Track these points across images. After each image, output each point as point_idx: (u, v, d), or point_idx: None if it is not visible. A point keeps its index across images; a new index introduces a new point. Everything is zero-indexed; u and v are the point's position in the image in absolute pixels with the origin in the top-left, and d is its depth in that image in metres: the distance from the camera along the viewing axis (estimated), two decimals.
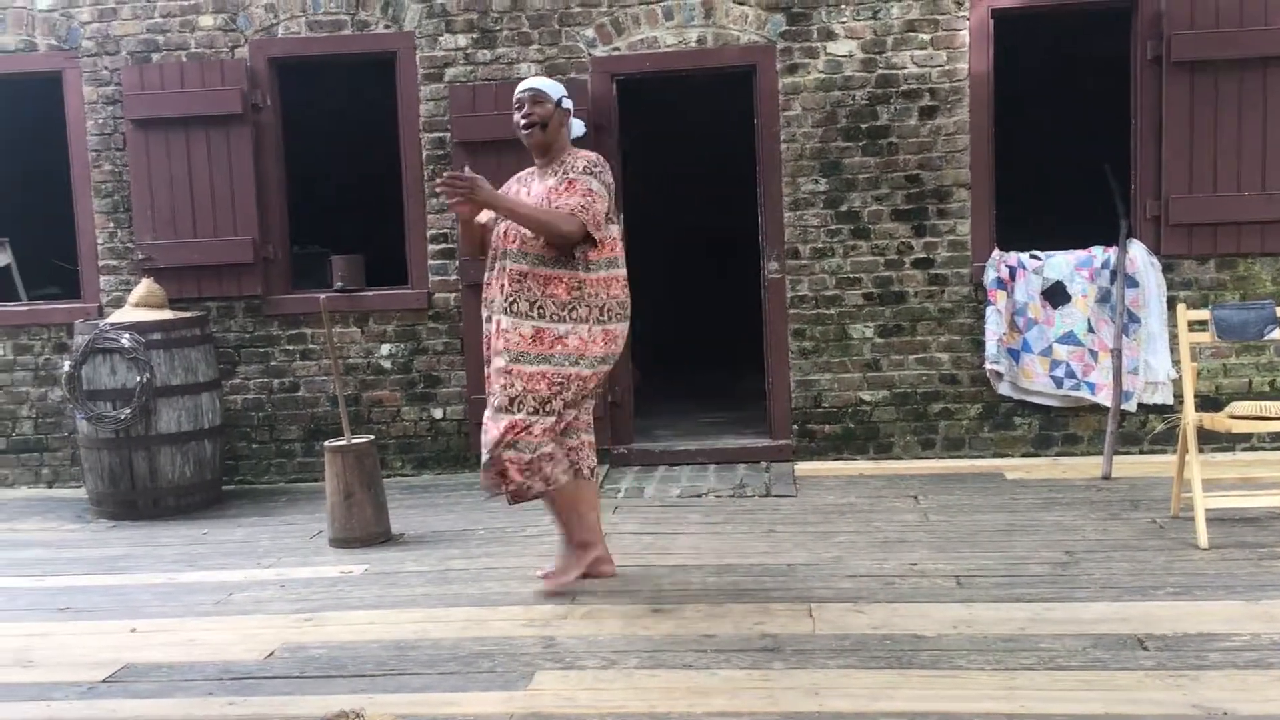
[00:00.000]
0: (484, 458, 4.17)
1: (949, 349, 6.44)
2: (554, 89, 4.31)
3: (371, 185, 8.79)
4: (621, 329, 4.25)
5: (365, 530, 5.19)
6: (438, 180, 4.19)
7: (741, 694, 3.27)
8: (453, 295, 6.61)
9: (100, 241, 6.74)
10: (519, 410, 4.08)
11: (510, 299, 4.14)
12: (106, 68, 6.66)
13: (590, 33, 6.47)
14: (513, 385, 4.10)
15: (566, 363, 4.11)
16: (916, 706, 3.14)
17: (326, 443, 5.35)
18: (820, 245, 6.45)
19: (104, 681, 3.60)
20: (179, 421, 6.05)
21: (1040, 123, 9.01)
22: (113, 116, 6.67)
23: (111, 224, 6.73)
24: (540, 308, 4.11)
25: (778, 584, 4.30)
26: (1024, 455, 6.41)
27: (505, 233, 4.20)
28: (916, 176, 6.37)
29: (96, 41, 6.67)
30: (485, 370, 4.30)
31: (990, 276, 6.29)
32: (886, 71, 6.35)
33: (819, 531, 5.05)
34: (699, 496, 5.85)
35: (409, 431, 6.71)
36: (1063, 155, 8.81)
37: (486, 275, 4.31)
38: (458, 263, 6.53)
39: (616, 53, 6.48)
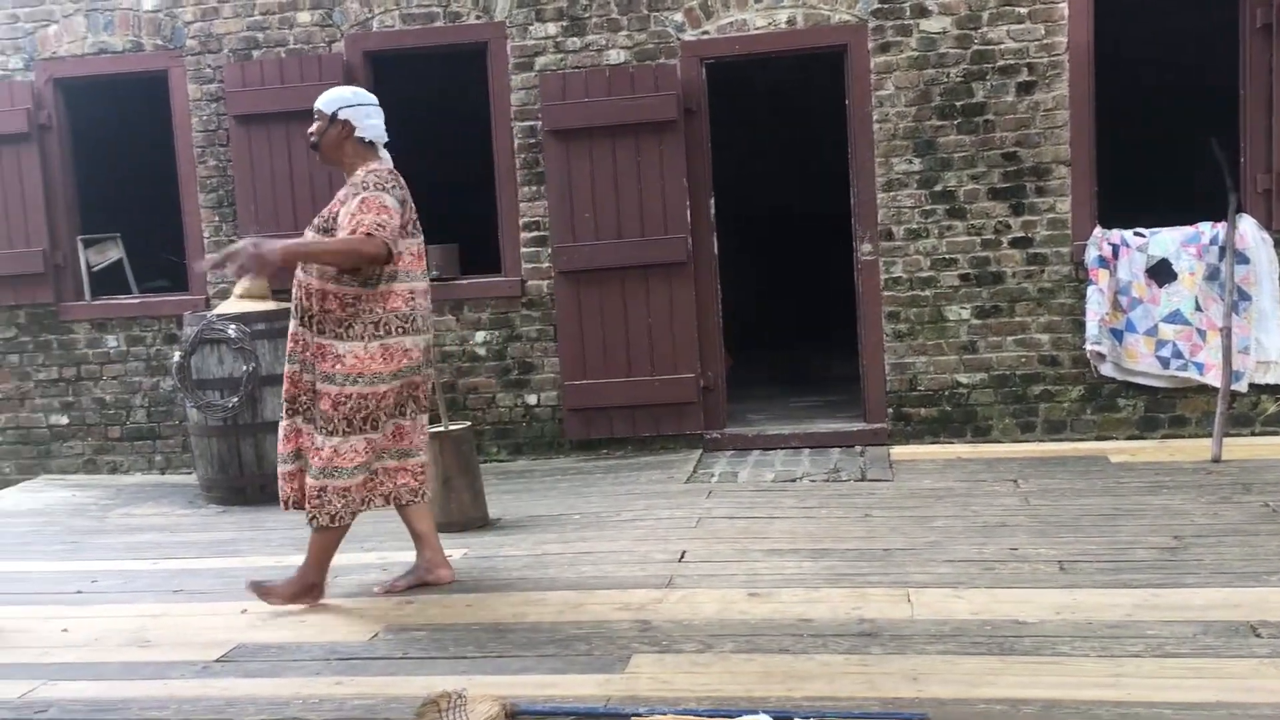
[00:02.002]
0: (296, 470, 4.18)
1: (1049, 330, 6.30)
2: (331, 102, 4.17)
3: (464, 174, 8.89)
4: (406, 342, 4.11)
5: (463, 515, 5.28)
6: (222, 265, 4.05)
7: (839, 679, 3.25)
8: (545, 282, 6.67)
9: (206, 235, 6.94)
10: (319, 432, 4.08)
11: (298, 308, 4.13)
12: (210, 65, 6.85)
13: (679, 17, 6.46)
14: (318, 403, 4.09)
15: (346, 382, 4.05)
16: (1019, 693, 3.09)
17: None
18: (915, 226, 6.35)
19: (218, 661, 3.73)
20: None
21: (1143, 96, 8.73)
22: (216, 113, 6.86)
23: (216, 218, 6.92)
24: (320, 324, 4.08)
25: (874, 569, 4.26)
26: (1129, 438, 6.25)
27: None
28: (1014, 154, 6.24)
29: (200, 40, 6.86)
30: (285, 369, 4.24)
31: (1092, 255, 6.14)
32: (982, 47, 6.22)
33: (916, 516, 4.99)
34: (793, 481, 5.82)
35: (504, 418, 6.80)
36: (1167, 128, 8.53)
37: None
38: (550, 250, 6.58)
39: (705, 36, 6.45)
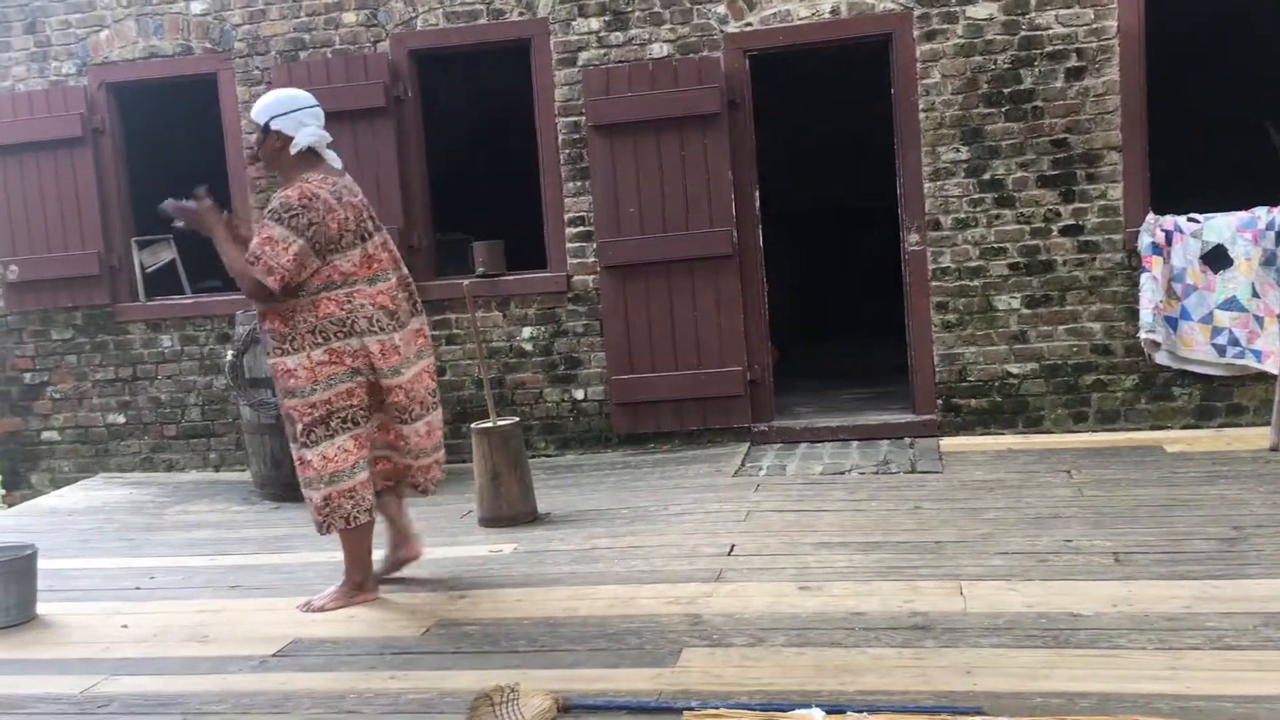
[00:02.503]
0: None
1: (1101, 318, 6.22)
2: (261, 112, 4.06)
3: (509, 170, 8.93)
4: (350, 344, 4.04)
5: (512, 510, 5.31)
6: (169, 202, 4.06)
7: (893, 672, 3.23)
8: (591, 278, 6.69)
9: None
10: (300, 446, 4.10)
11: (282, 338, 4.12)
12: (257, 67, 6.93)
13: (722, 9, 6.44)
14: (287, 420, 4.14)
15: (304, 392, 4.05)
16: (1075, 687, 3.05)
17: (473, 425, 5.48)
18: (962, 215, 6.29)
19: (274, 655, 3.78)
20: None
21: (1195, 79, 8.58)
22: None
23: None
24: (271, 341, 4.10)
25: (926, 561, 4.23)
26: (1184, 427, 6.15)
27: None
28: (1064, 140, 6.16)
29: (247, 42, 6.94)
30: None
31: (1145, 242, 6.04)
32: (1030, 33, 6.15)
33: (967, 508, 4.94)
34: (842, 473, 5.79)
35: (551, 413, 6.82)
36: (1221, 112, 8.38)
37: None
38: (595, 245, 6.59)
39: (749, 28, 6.42)
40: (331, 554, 4.98)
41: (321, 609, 4.20)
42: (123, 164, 7.27)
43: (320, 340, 4.03)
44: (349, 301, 4.06)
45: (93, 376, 7.31)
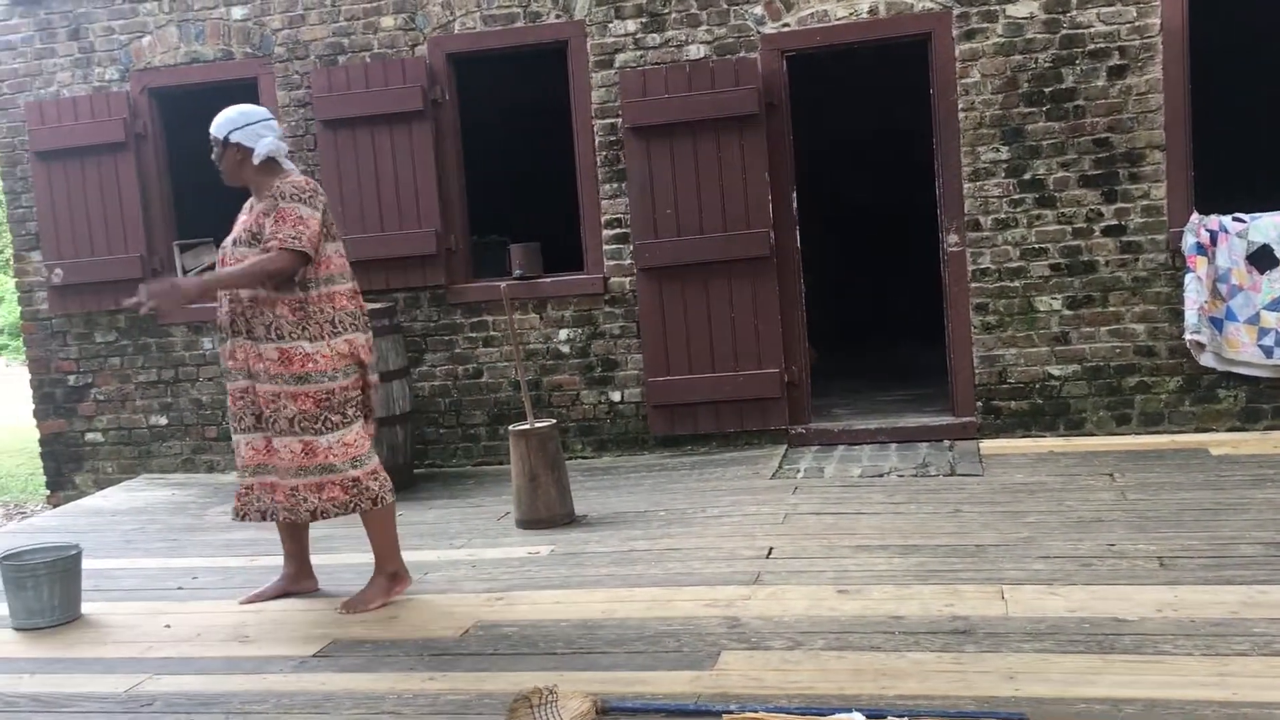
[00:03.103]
0: (258, 481, 4.24)
1: (1144, 319, 6.14)
2: (221, 126, 4.21)
3: (545, 173, 8.95)
4: (363, 338, 4.24)
5: (550, 512, 5.31)
6: (142, 308, 4.12)
7: (933, 677, 3.21)
8: (628, 279, 6.68)
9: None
10: (305, 433, 4.13)
11: (246, 323, 4.17)
12: (297, 72, 6.99)
13: (759, 10, 6.42)
14: (286, 408, 4.13)
15: (325, 379, 4.13)
16: (1120, 693, 3.02)
17: (511, 427, 5.49)
18: (1002, 216, 6.23)
19: (314, 656, 3.81)
20: None
21: (1240, 77, 8.46)
22: (304, 119, 7.00)
23: None
24: (276, 329, 4.12)
25: (966, 565, 4.19)
26: (1230, 430, 6.06)
27: (222, 259, 4.25)
28: (1106, 140, 6.09)
29: (287, 47, 7.00)
30: (229, 386, 4.31)
31: (1189, 242, 5.96)
32: (1071, 31, 6.08)
33: (1008, 511, 4.90)
34: (881, 476, 5.75)
35: (588, 415, 6.82)
36: (1266, 110, 8.26)
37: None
38: (632, 247, 6.59)
39: (786, 29, 6.40)
40: (369, 555, 5.01)
41: (366, 609, 4.23)
42: (165, 168, 7.36)
43: (339, 330, 4.18)
44: (356, 296, 4.29)
45: (135, 379, 7.39)
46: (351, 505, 4.22)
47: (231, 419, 4.35)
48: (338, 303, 4.20)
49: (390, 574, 4.34)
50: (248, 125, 4.21)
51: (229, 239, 4.29)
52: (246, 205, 4.33)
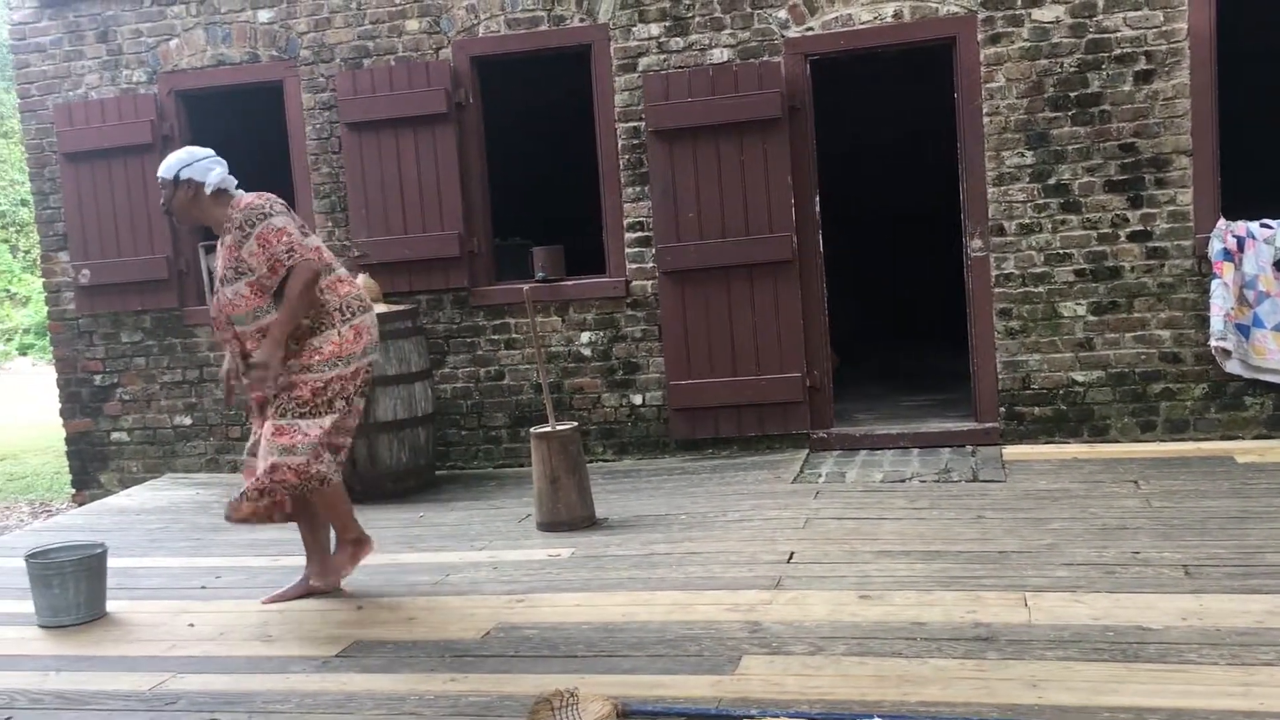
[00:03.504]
0: (255, 484, 4.27)
1: (1170, 326, 6.10)
2: (169, 168, 4.30)
3: (568, 176, 8.97)
4: (366, 320, 4.37)
5: (571, 514, 5.32)
6: (254, 394, 4.33)
7: (955, 684, 3.19)
8: (650, 283, 6.69)
9: (320, 240, 7.10)
10: (283, 417, 4.22)
11: (245, 357, 4.29)
12: (322, 75, 7.03)
13: (783, 14, 6.41)
14: (299, 390, 4.24)
15: (326, 368, 4.24)
16: (1144, 701, 3.00)
17: (532, 429, 5.50)
18: (1027, 220, 6.20)
19: (336, 656, 3.82)
20: (395, 410, 6.33)
21: (1268, 81, 8.39)
22: (329, 121, 7.03)
23: (330, 223, 7.10)
24: (294, 337, 4.24)
25: (989, 572, 4.17)
26: (1256, 437, 6.01)
27: (216, 303, 4.35)
28: (1132, 145, 6.05)
29: (313, 50, 7.04)
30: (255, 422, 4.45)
31: (1215, 248, 5.92)
32: (1097, 36, 6.05)
33: (1031, 518, 4.87)
34: (903, 481, 5.73)
35: (609, 417, 6.83)
36: None
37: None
38: (654, 250, 6.60)
39: (810, 33, 6.39)
40: (391, 556, 5.05)
41: (338, 576, 4.46)
42: None
43: (348, 316, 4.32)
44: (354, 280, 4.44)
45: (160, 379, 7.45)
46: (309, 490, 4.32)
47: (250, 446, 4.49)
48: (341, 289, 4.33)
49: (352, 540, 4.52)
50: (196, 162, 4.31)
51: (217, 279, 4.37)
52: (218, 243, 4.39)
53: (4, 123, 23.78)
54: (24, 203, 22.06)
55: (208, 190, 4.29)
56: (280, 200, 4.34)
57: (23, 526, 7.43)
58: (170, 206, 4.36)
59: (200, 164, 4.31)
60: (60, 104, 7.40)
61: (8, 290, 22.44)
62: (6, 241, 23.18)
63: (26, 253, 22.38)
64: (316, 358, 4.25)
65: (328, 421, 4.28)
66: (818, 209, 6.51)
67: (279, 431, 4.24)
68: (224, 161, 4.40)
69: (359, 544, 4.54)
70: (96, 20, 7.36)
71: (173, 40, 7.25)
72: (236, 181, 4.40)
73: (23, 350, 21.00)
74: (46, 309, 7.81)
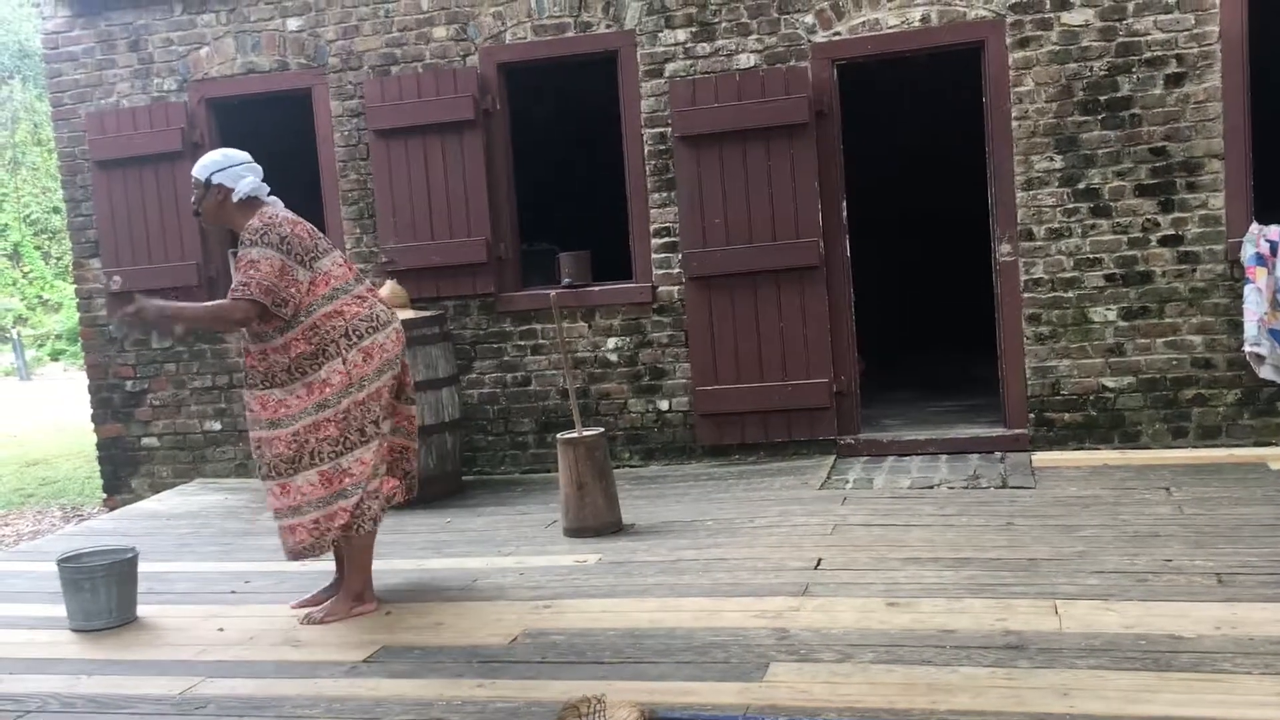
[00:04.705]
0: (296, 521, 4.26)
1: (1202, 331, 6.04)
2: (203, 169, 4.29)
3: (594, 181, 8.98)
4: (379, 338, 4.27)
5: (597, 520, 5.32)
6: (117, 321, 4.18)
7: (985, 693, 3.17)
8: (676, 289, 6.68)
9: (348, 246, 7.16)
10: (322, 462, 4.19)
11: (263, 375, 4.24)
12: (350, 82, 7.07)
13: (810, 19, 6.40)
14: (306, 442, 4.19)
15: (342, 397, 4.18)
16: (1177, 711, 2.96)
17: (559, 435, 5.51)
18: (1056, 225, 6.16)
19: (364, 661, 3.83)
20: (422, 415, 6.32)
21: None
22: (357, 128, 7.07)
23: (358, 229, 7.14)
24: (297, 368, 4.19)
25: (1019, 579, 4.14)
26: None
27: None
28: (1162, 149, 6.00)
29: (341, 58, 7.08)
30: (251, 435, 4.38)
31: (1248, 253, 5.85)
32: (1127, 39, 6.00)
33: (1061, 525, 4.83)
34: (931, 488, 5.70)
35: (636, 423, 6.83)
36: None
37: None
38: (680, 256, 6.59)
39: (837, 37, 6.38)
40: (419, 561, 5.07)
41: (322, 622, 4.28)
42: None
43: (353, 340, 4.23)
44: (367, 297, 4.32)
45: (190, 384, 7.50)
46: (354, 528, 4.29)
47: (257, 466, 4.45)
48: (348, 312, 4.24)
49: (355, 593, 4.39)
50: (231, 167, 4.31)
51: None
52: None
53: (37, 131, 24.07)
54: (56, 210, 22.33)
55: (235, 198, 4.29)
56: (289, 225, 4.23)
57: (55, 531, 7.51)
58: (200, 207, 4.37)
59: (233, 170, 4.30)
60: (92, 112, 7.48)
61: (40, 296, 22.70)
62: (39, 248, 23.45)
63: (59, 259, 22.65)
64: (328, 390, 4.18)
65: (369, 454, 4.24)
66: (845, 214, 6.49)
67: (326, 479, 4.21)
68: (259, 169, 4.39)
69: (362, 600, 4.38)
70: (128, 29, 7.44)
71: (203, 49, 7.31)
72: (269, 189, 4.40)
73: (54, 356, 21.24)
74: (78, 315, 7.89)
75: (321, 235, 4.38)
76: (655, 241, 6.72)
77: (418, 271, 6.90)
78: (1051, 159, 6.14)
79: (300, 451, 4.21)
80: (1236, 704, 2.99)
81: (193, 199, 4.39)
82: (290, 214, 4.33)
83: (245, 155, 4.39)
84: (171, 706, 3.56)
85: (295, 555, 4.36)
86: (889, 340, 9.08)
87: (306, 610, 4.41)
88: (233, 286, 4.16)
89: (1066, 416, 6.22)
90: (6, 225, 23.20)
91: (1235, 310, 5.95)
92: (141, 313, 4.11)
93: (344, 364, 4.20)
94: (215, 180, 4.29)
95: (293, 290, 4.17)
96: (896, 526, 5.02)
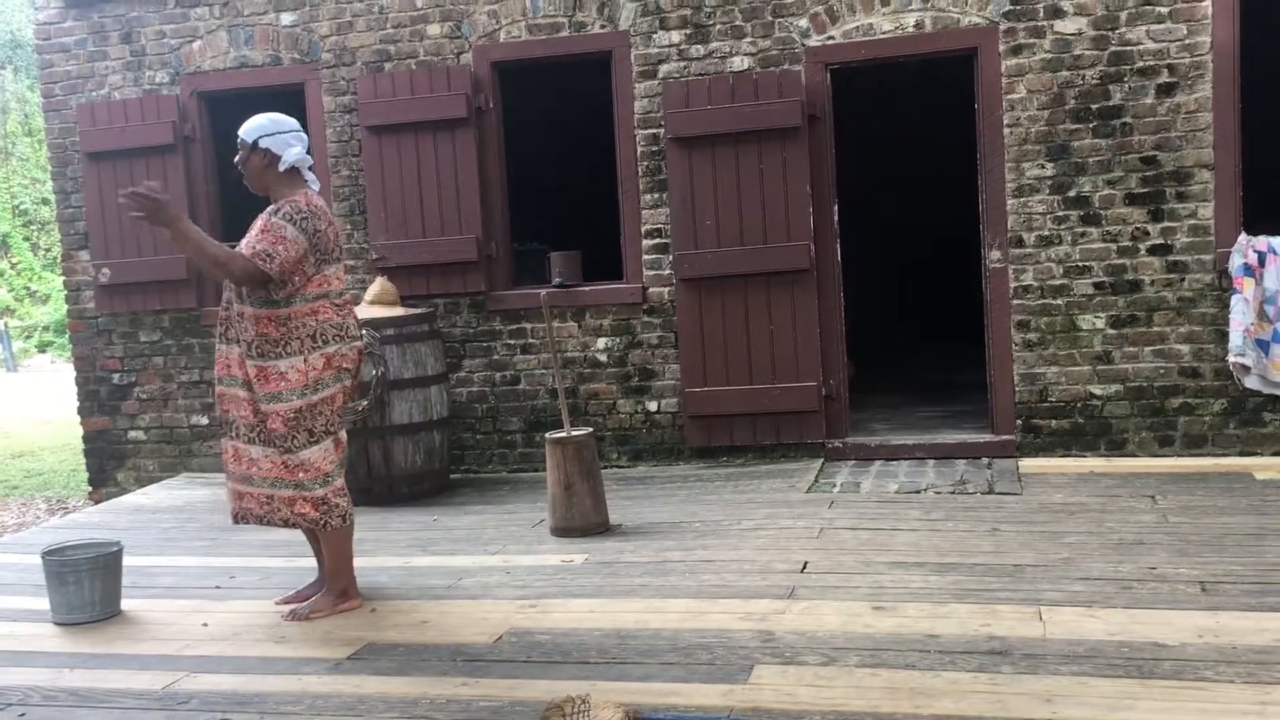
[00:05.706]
0: (251, 491, 4.27)
1: (1189, 340, 6.06)
2: (251, 130, 4.24)
3: (586, 182, 8.98)
4: (342, 349, 4.25)
5: (585, 520, 5.32)
6: (128, 191, 4.06)
7: (969, 698, 3.18)
8: (667, 290, 6.68)
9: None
10: (274, 448, 4.19)
11: (235, 333, 4.24)
12: (344, 78, 7.06)
13: (804, 22, 6.41)
14: (261, 422, 4.21)
15: (295, 396, 4.16)
16: (1159, 718, 2.98)
17: (547, 435, 5.50)
18: (1046, 233, 6.18)
19: (349, 658, 3.83)
20: (410, 413, 6.35)
21: None
22: (349, 124, 7.06)
23: (349, 226, 7.12)
24: (257, 347, 4.17)
25: (1004, 585, 4.15)
26: (1275, 454, 5.96)
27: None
28: (1153, 158, 6.02)
29: (334, 54, 7.07)
30: (218, 389, 4.37)
31: (1236, 263, 5.88)
32: (1119, 48, 6.03)
33: (1047, 531, 4.84)
34: (918, 492, 5.71)
35: (624, 424, 6.83)
36: None
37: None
38: (672, 257, 6.59)
39: (830, 41, 6.39)
40: (405, 559, 5.06)
41: (307, 618, 4.27)
42: (213, 170, 7.45)
43: (318, 344, 4.21)
44: (343, 308, 4.31)
45: (178, 378, 7.48)
46: (321, 522, 4.28)
47: (220, 422, 4.42)
48: (321, 315, 4.22)
49: (340, 590, 4.38)
50: (279, 133, 4.26)
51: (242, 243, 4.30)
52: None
53: (27, 121, 23.98)
54: (45, 201, 22.23)
55: (281, 167, 4.25)
56: (325, 222, 4.24)
57: (40, 523, 7.47)
58: (244, 168, 4.30)
59: (282, 136, 4.25)
60: (83, 104, 7.45)
61: (28, 288, 22.61)
62: (28, 240, 23.36)
63: (47, 251, 22.57)
64: (284, 385, 4.17)
65: (316, 454, 4.22)
66: (836, 218, 6.50)
67: (282, 465, 4.22)
68: (305, 138, 4.34)
69: (347, 596, 4.37)
70: (120, 21, 7.41)
71: (195, 42, 7.29)
72: (311, 162, 4.37)
73: (42, 347, 21.16)
74: (66, 307, 7.86)
75: (341, 244, 4.39)
76: (646, 242, 6.72)
77: (408, 269, 6.89)
78: (1043, 166, 6.16)
79: (259, 424, 4.23)
80: (1218, 712, 3.00)
81: (236, 158, 4.32)
82: (326, 208, 4.31)
83: (294, 122, 4.34)
84: (154, 701, 3.55)
85: (238, 519, 4.39)
86: (879, 344, 9.09)
87: (291, 606, 4.39)
88: (256, 249, 4.10)
89: (1054, 423, 6.24)
90: None
91: (1223, 320, 5.98)
92: (158, 208, 4.04)
93: (304, 363, 4.19)
94: (263, 144, 4.24)
95: (296, 278, 4.18)
96: (883, 530, 5.03)
